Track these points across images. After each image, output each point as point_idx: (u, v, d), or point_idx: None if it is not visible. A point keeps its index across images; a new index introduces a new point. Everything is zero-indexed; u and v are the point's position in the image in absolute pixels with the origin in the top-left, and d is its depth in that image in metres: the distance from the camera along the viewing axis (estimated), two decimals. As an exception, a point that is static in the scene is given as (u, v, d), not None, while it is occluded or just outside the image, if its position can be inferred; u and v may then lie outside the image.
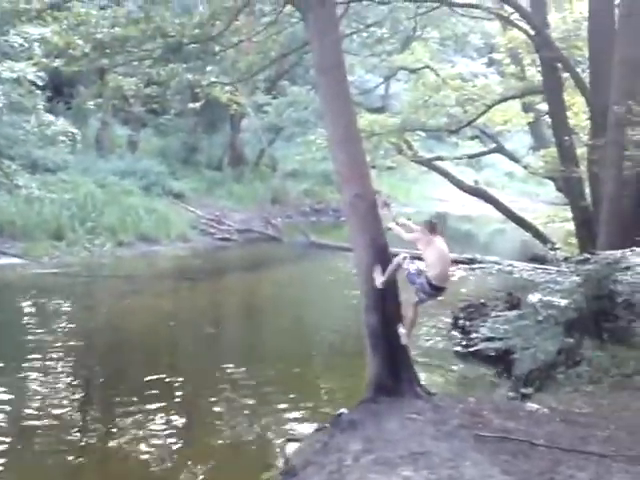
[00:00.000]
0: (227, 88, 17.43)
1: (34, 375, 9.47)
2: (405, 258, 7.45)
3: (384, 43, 20.24)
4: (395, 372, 7.50)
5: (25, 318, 12.15)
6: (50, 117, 17.53)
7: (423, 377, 8.34)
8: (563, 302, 9.08)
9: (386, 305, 7.62)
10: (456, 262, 17.86)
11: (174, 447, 7.62)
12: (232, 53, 14.25)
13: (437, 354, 10.95)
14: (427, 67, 19.29)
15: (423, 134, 19.08)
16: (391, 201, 8.60)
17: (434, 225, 7.47)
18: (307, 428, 7.92)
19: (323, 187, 28.56)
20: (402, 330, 7.52)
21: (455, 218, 30.26)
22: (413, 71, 20.62)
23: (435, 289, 7.34)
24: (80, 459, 7.36)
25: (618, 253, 8.63)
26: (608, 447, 6.09)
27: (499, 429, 6.46)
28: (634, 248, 8.82)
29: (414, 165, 20.32)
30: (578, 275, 8.94)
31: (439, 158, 19.79)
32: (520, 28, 13.76)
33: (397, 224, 7.76)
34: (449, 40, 21.73)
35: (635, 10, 10.52)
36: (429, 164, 19.01)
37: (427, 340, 11.66)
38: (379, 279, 7.51)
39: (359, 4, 13.91)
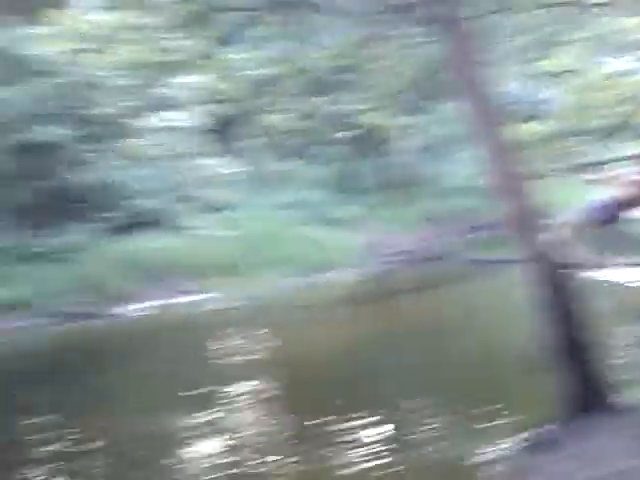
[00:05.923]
0: (373, 113, 17.78)
1: (229, 405, 10.31)
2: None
3: (528, 50, 19.87)
4: (589, 386, 7.29)
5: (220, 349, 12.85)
6: (218, 160, 18.44)
7: (622, 390, 7.89)
8: None
9: (573, 314, 7.42)
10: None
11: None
12: (379, 79, 14.53)
13: (637, 364, 10.17)
14: (575, 70, 18.79)
15: (586, 137, 18.49)
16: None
17: None
18: (504, 448, 7.74)
19: (481, 202, 28.10)
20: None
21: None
22: (560, 75, 20.12)
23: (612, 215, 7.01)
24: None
25: None
26: None
27: None
28: None
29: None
30: None
31: (613, 160, 19.00)
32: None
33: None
34: (593, 41, 20.97)
35: None
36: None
37: (625, 350, 10.89)
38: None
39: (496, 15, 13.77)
